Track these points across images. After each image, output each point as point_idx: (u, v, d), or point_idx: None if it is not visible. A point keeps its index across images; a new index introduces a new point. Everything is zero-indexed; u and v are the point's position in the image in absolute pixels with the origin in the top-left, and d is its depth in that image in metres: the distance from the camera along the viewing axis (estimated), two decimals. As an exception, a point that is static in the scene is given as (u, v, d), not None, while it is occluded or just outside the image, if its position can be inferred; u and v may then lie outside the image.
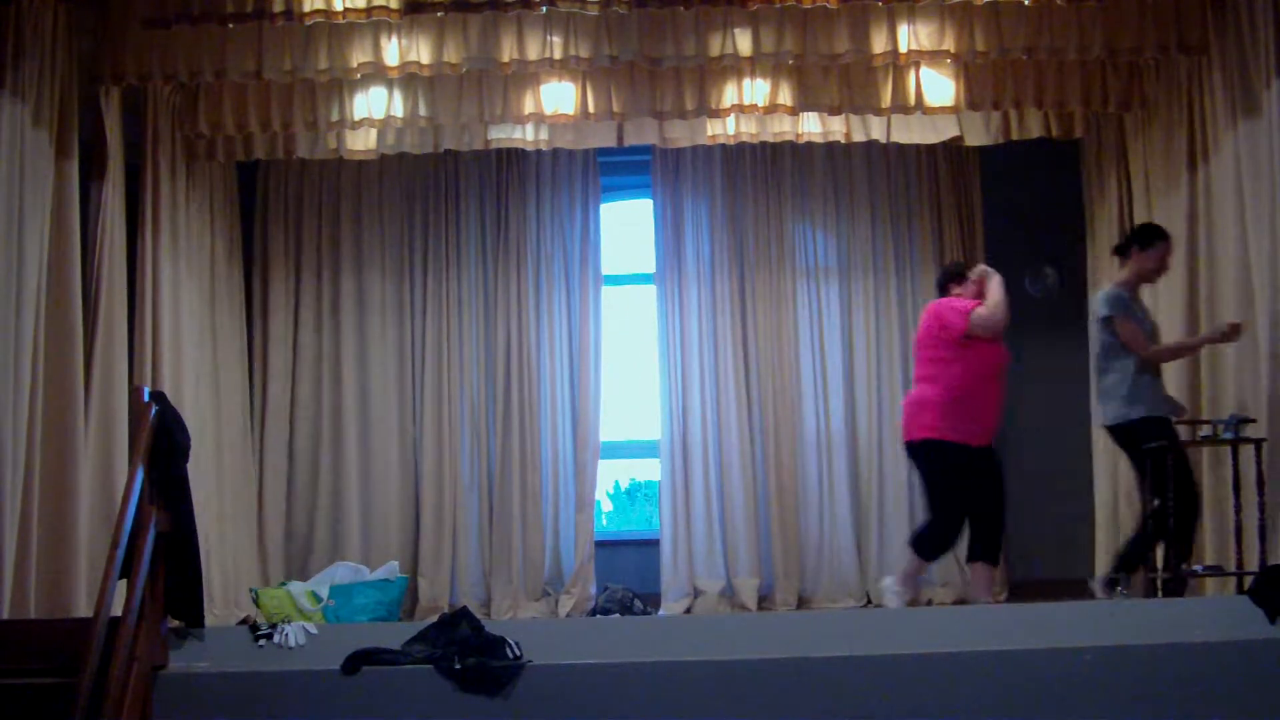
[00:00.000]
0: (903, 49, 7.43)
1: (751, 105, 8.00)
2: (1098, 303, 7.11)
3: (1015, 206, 9.75)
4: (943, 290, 7.39)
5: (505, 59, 7.49)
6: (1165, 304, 7.88)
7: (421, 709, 5.60)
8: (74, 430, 6.76)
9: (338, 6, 6.99)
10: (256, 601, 7.11)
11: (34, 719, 5.29)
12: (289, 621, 6.05)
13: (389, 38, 7.48)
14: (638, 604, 8.73)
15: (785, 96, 8.00)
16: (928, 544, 7.22)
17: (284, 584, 7.62)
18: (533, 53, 7.49)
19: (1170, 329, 7.79)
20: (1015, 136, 8.73)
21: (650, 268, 9.83)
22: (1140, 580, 7.21)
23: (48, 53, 6.78)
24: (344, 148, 8.68)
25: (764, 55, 7.49)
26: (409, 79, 7.93)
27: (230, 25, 7.24)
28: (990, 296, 7.14)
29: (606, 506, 11.00)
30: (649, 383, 9.79)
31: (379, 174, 9.67)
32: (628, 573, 9.38)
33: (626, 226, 10.20)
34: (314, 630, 5.96)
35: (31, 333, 6.49)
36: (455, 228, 9.68)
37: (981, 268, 7.40)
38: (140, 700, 5.35)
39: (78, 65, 7.12)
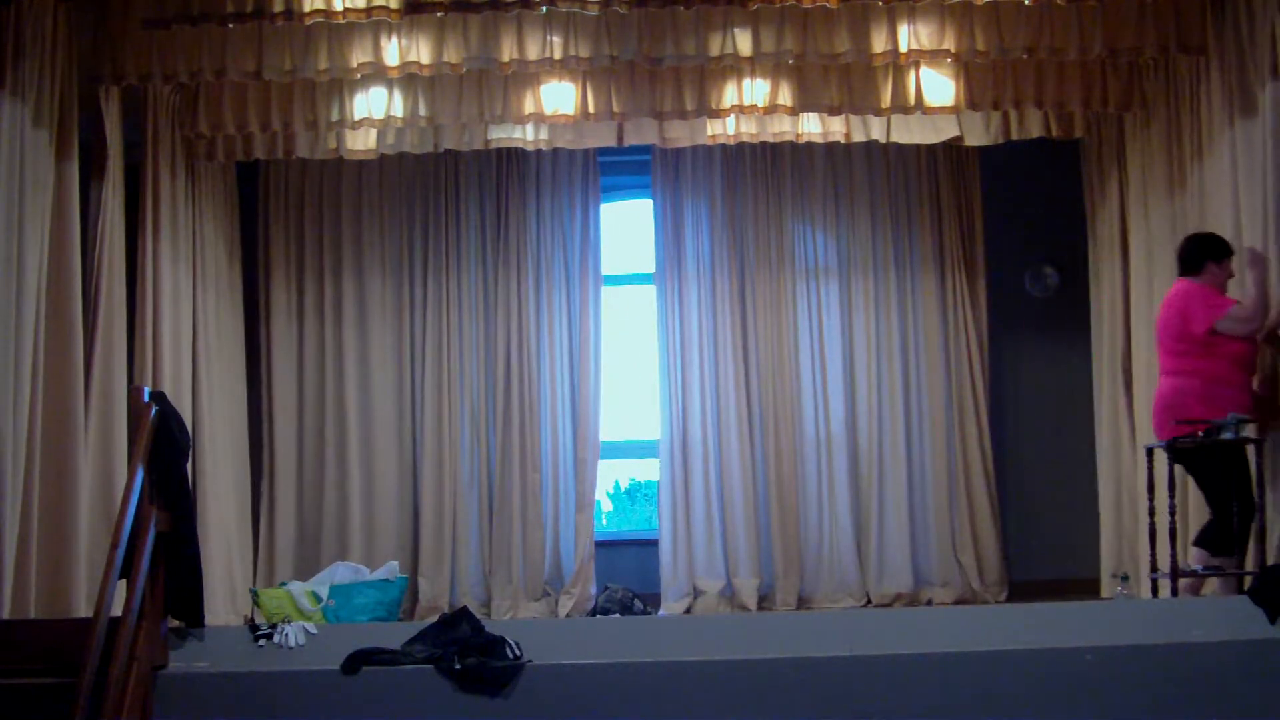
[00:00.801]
0: (903, 49, 7.43)
1: (751, 105, 8.00)
2: None
3: (1015, 206, 9.75)
4: (1195, 265, 6.74)
5: (505, 59, 7.49)
6: (1152, 305, 7.89)
7: (421, 709, 5.61)
8: (74, 430, 6.76)
9: (338, 6, 6.98)
10: (256, 601, 7.11)
11: (34, 719, 5.29)
12: (289, 621, 6.06)
13: (389, 38, 7.47)
14: (638, 604, 8.73)
15: (785, 96, 7.99)
16: (1221, 539, 6.62)
17: (284, 584, 7.63)
18: (533, 53, 7.49)
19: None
20: (1015, 136, 8.72)
21: (650, 268, 9.83)
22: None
23: (48, 53, 6.77)
24: (344, 148, 8.68)
25: (764, 55, 7.49)
26: (409, 79, 7.93)
27: (230, 25, 7.23)
28: (1250, 298, 6.56)
29: (606, 506, 11.01)
30: (649, 383, 9.79)
31: (379, 174, 9.67)
32: (628, 573, 9.38)
33: (626, 226, 10.20)
34: (314, 630, 5.96)
35: (31, 333, 6.49)
36: (455, 228, 9.68)
37: (1252, 253, 6.69)
38: (140, 700, 5.35)
39: (78, 65, 7.11)
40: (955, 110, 8.19)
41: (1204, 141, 7.49)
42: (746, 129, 8.67)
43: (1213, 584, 6.95)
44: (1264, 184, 6.77)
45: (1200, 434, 6.68)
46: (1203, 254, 6.78)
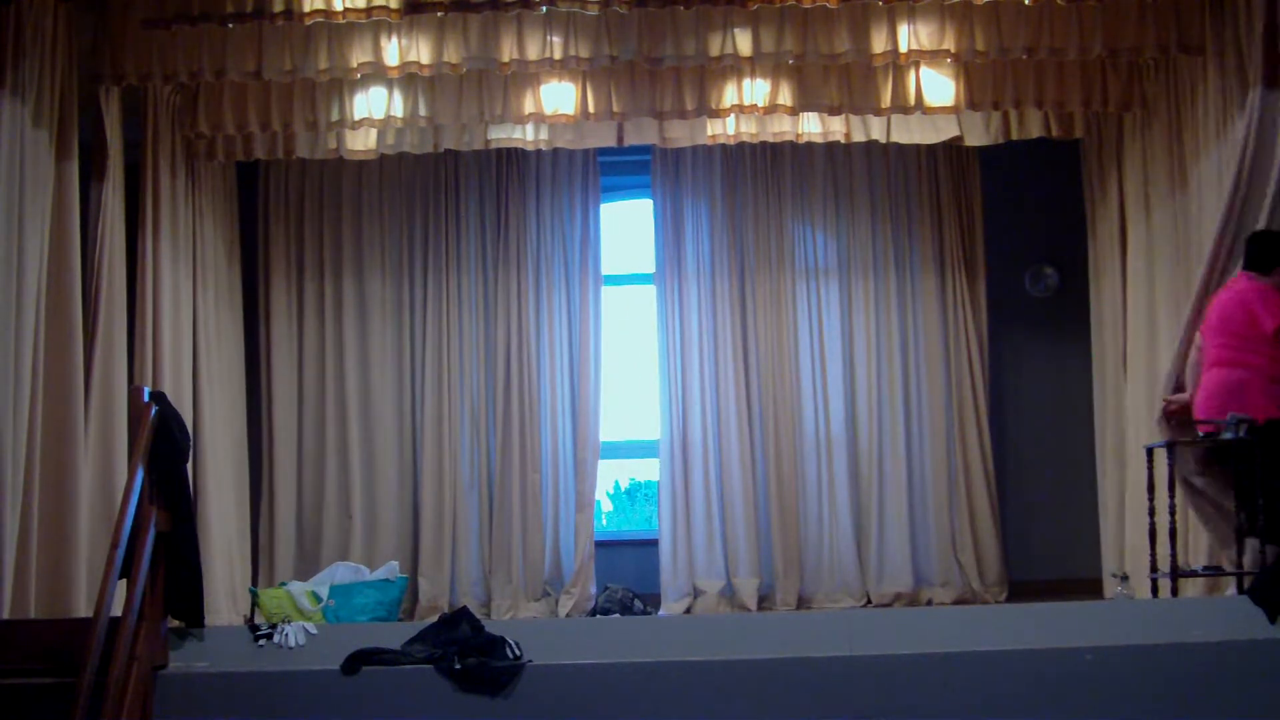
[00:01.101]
0: (903, 49, 7.43)
1: (751, 105, 8.00)
2: None
3: (1015, 206, 9.76)
4: (1267, 265, 6.58)
5: (505, 59, 7.49)
6: (1161, 302, 7.89)
7: (421, 709, 5.61)
8: (74, 430, 6.76)
9: (338, 6, 6.98)
10: (256, 601, 7.11)
11: (34, 719, 5.29)
12: (289, 621, 6.06)
13: (389, 38, 7.48)
14: (638, 604, 8.73)
15: (785, 96, 7.99)
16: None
17: (284, 584, 7.63)
18: (533, 53, 7.49)
19: (1163, 327, 7.79)
20: (1015, 136, 8.73)
21: (650, 268, 9.83)
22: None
23: (48, 53, 6.77)
24: (344, 148, 8.68)
25: (764, 55, 7.49)
26: (409, 79, 7.93)
27: (230, 25, 7.24)
28: None
29: (606, 506, 11.00)
30: (649, 383, 9.78)
31: (379, 174, 9.67)
32: (628, 573, 9.38)
33: (626, 226, 10.20)
34: (314, 630, 5.96)
35: (31, 333, 6.49)
36: (455, 228, 9.68)
37: None
38: (140, 700, 5.35)
39: (78, 65, 7.11)
40: (955, 110, 8.19)
41: (1203, 141, 7.49)
42: (746, 129, 8.67)
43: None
44: (1263, 183, 6.78)
45: (1201, 434, 6.69)
46: (1277, 254, 6.61)
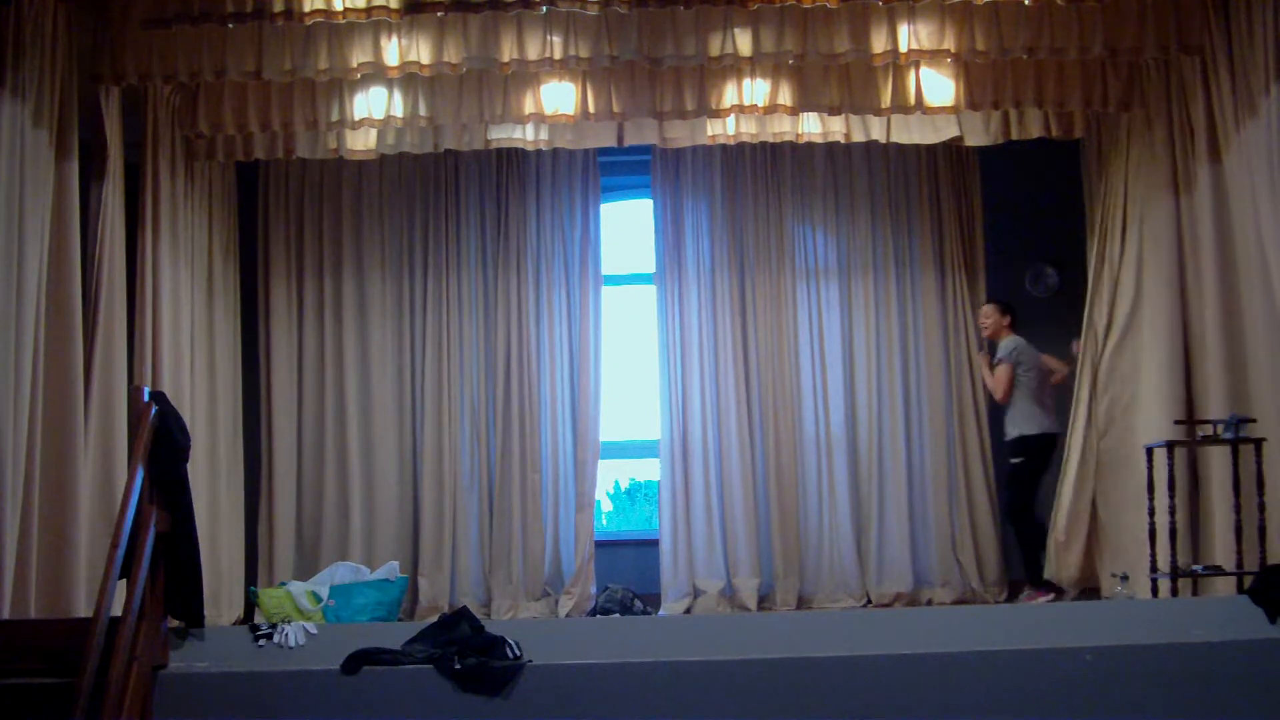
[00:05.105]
0: (903, 49, 7.43)
1: (751, 105, 8.00)
2: None
3: (1015, 206, 9.75)
4: None
5: (505, 59, 7.49)
6: (1154, 305, 7.90)
7: (421, 709, 5.62)
8: (74, 430, 6.76)
9: (338, 6, 6.98)
10: (256, 601, 7.12)
11: (34, 719, 5.30)
12: (289, 621, 6.06)
13: (389, 38, 7.48)
14: (638, 604, 8.73)
15: (785, 96, 7.99)
16: None
17: (284, 584, 7.63)
18: (533, 53, 7.49)
19: (1162, 327, 7.80)
20: (1015, 136, 8.73)
21: (650, 268, 9.83)
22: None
23: (48, 53, 6.78)
24: (344, 148, 8.68)
25: (764, 55, 7.49)
26: (409, 79, 7.93)
27: (230, 25, 7.24)
28: None
29: (606, 506, 11.01)
30: (649, 383, 9.78)
31: (379, 174, 9.67)
32: (628, 573, 9.38)
33: (626, 226, 10.20)
34: (314, 630, 5.97)
35: (31, 333, 6.49)
36: (455, 228, 9.68)
37: None
38: (140, 700, 5.36)
39: (78, 65, 7.11)
40: (955, 110, 8.18)
41: (1202, 142, 7.49)
42: (746, 129, 8.67)
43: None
44: (1269, 180, 6.78)
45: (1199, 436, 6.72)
46: None
